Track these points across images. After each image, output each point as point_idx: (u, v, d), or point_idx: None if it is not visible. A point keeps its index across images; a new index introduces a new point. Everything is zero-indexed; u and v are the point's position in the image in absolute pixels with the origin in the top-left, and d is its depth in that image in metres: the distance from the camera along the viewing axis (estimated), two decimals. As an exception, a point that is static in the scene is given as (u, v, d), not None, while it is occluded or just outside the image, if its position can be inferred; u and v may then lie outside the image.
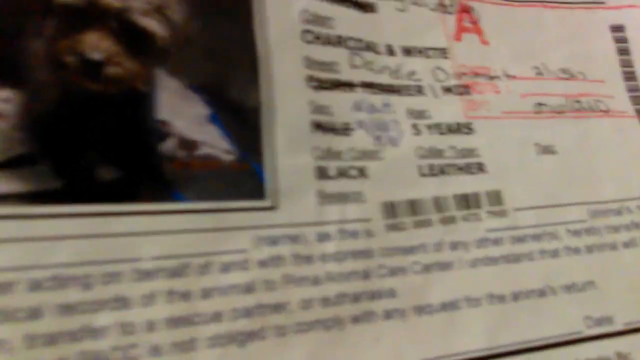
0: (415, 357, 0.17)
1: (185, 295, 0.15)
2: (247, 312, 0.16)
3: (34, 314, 0.14)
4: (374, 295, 0.18)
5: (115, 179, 0.15)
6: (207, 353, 0.15)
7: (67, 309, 0.14)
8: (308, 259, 0.17)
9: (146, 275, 0.15)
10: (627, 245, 0.20)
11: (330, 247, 0.18)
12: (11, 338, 0.13)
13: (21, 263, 0.14)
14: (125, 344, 0.14)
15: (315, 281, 0.17)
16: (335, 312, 0.17)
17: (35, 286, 0.14)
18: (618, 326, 0.19)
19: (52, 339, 0.14)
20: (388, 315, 0.17)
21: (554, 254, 0.20)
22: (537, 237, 0.20)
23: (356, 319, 0.17)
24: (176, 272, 0.16)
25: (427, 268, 0.18)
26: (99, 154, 0.15)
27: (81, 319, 0.14)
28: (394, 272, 0.18)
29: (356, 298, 0.17)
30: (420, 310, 0.18)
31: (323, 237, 0.18)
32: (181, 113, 0.16)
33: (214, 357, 0.15)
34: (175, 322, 0.15)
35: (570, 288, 0.19)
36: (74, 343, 0.14)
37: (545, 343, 0.18)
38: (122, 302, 0.15)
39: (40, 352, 0.14)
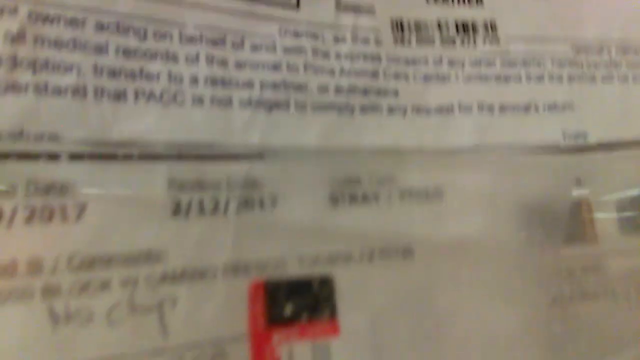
0: (411, 145, 0.20)
1: (223, 62, 0.18)
2: (274, 85, 0.19)
3: (101, 49, 0.16)
4: (380, 92, 0.20)
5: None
6: (240, 111, 0.18)
7: (127, 51, 0.17)
8: (325, 54, 0.20)
9: (190, 39, 0.18)
10: (604, 79, 0.23)
11: (344, 47, 0.20)
12: (80, 63, 0.16)
13: (89, 5, 0.17)
14: (173, 90, 0.17)
15: (331, 72, 0.20)
16: (347, 100, 0.20)
17: (101, 27, 0.17)
18: (591, 141, 0.22)
19: (114, 74, 0.17)
20: (391, 110, 0.20)
21: (539, 78, 0.22)
22: (525, 63, 0.22)
23: (364, 109, 0.20)
24: (215, 42, 0.18)
25: (426, 77, 0.21)
26: None
27: (138, 62, 0.17)
28: (398, 76, 0.21)
29: (365, 91, 0.20)
30: (419, 109, 0.21)
31: (338, 39, 0.20)
32: None
33: (245, 115, 0.18)
34: (215, 81, 0.18)
35: (551, 107, 0.22)
36: (132, 80, 0.17)
37: (527, 147, 0.21)
38: (171, 57, 0.17)
39: (105, 81, 0.16)
